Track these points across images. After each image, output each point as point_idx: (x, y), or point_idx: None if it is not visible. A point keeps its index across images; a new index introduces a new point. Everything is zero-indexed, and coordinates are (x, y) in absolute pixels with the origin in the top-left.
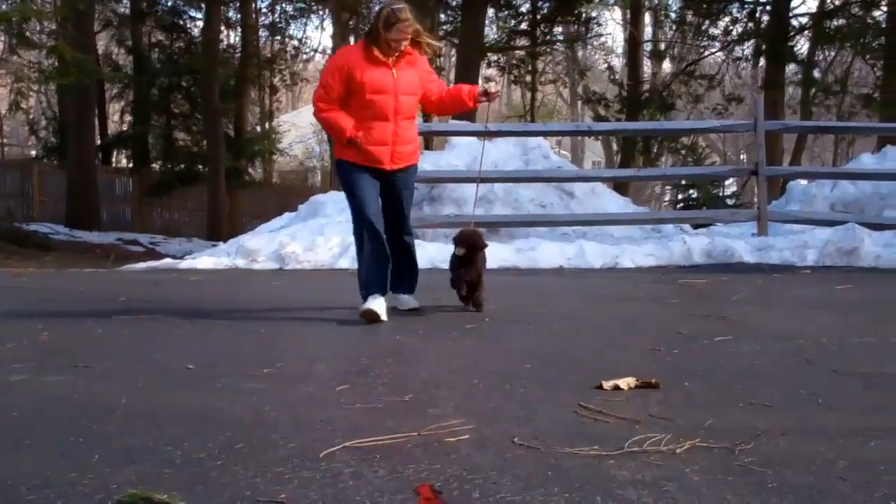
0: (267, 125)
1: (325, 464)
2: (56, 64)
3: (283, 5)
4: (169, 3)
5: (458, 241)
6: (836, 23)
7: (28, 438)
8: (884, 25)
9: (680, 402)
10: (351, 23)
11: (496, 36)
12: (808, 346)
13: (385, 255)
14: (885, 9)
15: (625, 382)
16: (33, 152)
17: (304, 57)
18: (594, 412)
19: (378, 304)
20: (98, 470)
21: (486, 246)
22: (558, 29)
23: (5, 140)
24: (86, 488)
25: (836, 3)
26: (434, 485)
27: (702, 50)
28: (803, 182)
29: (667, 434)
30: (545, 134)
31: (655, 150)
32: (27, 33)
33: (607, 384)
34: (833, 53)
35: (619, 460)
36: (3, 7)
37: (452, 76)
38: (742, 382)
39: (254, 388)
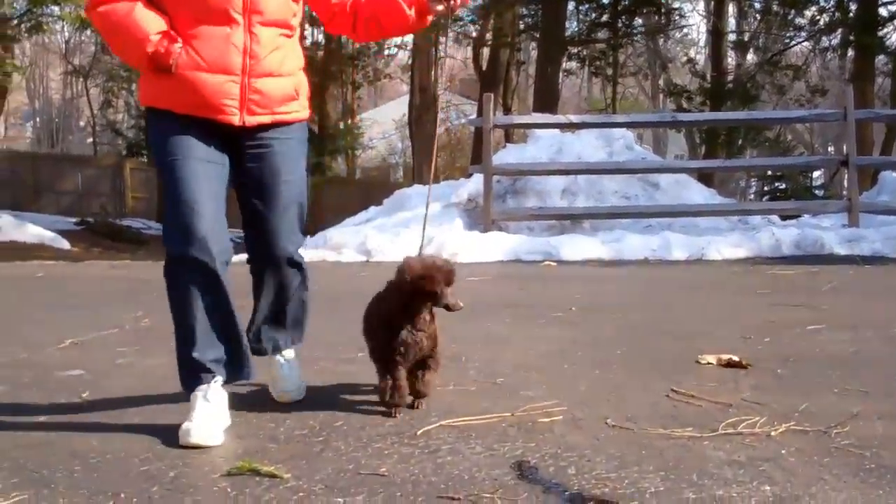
0: (349, 121)
1: (423, 440)
2: None
3: None
4: None
5: (403, 272)
6: None
7: (137, 416)
8: None
9: (773, 386)
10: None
11: (577, 28)
12: None
13: (216, 303)
14: None
15: (716, 358)
16: (124, 151)
17: (387, 53)
18: (686, 396)
19: (204, 414)
20: None
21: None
22: (639, 21)
23: (97, 139)
24: (195, 461)
25: None
26: (530, 461)
27: (787, 40)
28: (895, 173)
29: (761, 417)
30: (628, 125)
31: (740, 143)
32: None
33: (702, 359)
34: None
35: (713, 441)
36: None
37: (532, 70)
38: (835, 369)
39: (348, 371)
